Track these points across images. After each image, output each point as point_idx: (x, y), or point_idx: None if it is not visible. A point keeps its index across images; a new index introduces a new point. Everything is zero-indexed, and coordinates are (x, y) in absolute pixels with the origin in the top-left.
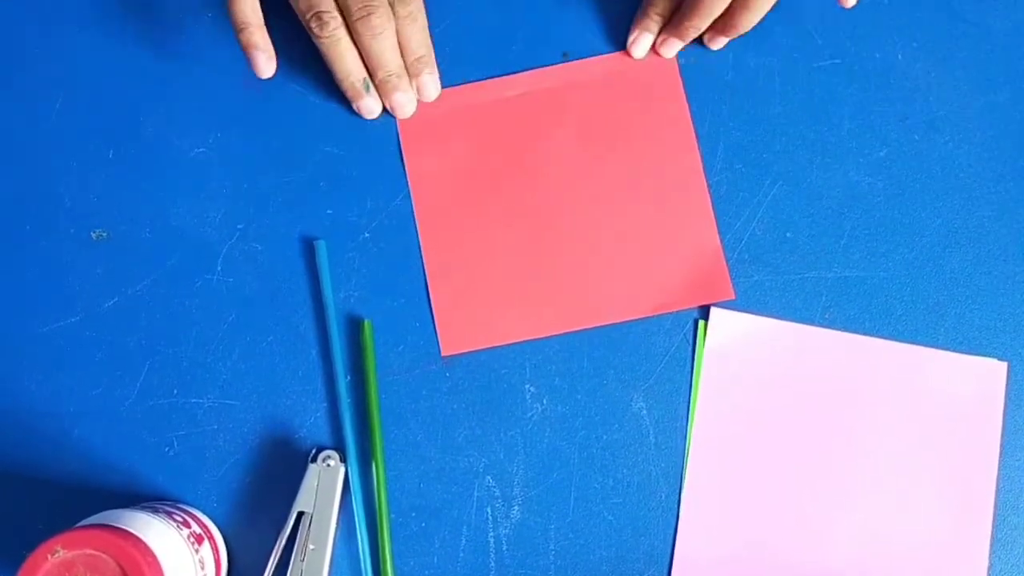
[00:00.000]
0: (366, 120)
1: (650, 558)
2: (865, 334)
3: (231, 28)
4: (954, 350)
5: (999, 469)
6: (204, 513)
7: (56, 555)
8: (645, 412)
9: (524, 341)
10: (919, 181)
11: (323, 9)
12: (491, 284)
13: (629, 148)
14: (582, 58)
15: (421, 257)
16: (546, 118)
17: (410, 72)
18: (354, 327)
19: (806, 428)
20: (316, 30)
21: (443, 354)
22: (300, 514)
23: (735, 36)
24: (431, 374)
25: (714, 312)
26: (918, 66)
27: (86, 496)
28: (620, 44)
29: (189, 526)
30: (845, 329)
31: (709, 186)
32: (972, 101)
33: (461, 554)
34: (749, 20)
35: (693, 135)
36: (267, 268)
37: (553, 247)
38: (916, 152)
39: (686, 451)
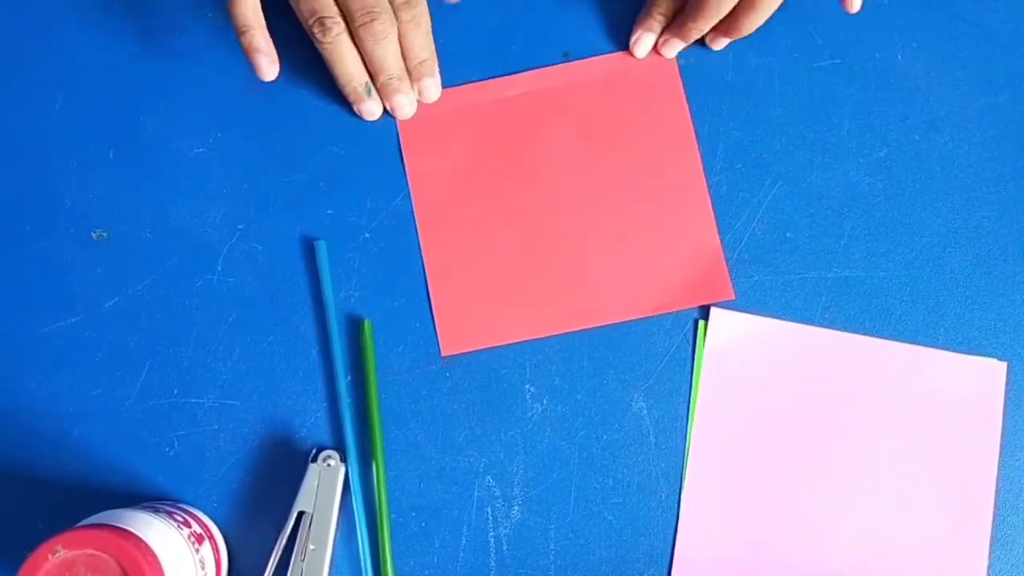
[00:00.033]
0: (366, 121)
1: (650, 558)
2: (865, 334)
3: (232, 30)
4: (954, 350)
5: (999, 469)
6: (204, 513)
7: (57, 555)
8: (645, 412)
9: (524, 341)
10: (919, 181)
11: (326, 15)
12: (491, 284)
13: (629, 148)
14: (582, 58)
15: (421, 257)
16: (546, 118)
17: (413, 75)
18: (354, 327)
19: (806, 428)
20: (319, 36)
21: (443, 354)
22: (300, 514)
23: (738, 38)
24: (431, 374)
25: (714, 312)
26: (918, 66)
27: (86, 496)
28: (620, 44)
29: (189, 526)
30: (845, 329)
31: (709, 186)
32: (972, 101)
33: (461, 554)
34: (753, 23)
35: (693, 135)
36: (267, 268)
37: (553, 247)
38: (916, 152)
39: (686, 451)
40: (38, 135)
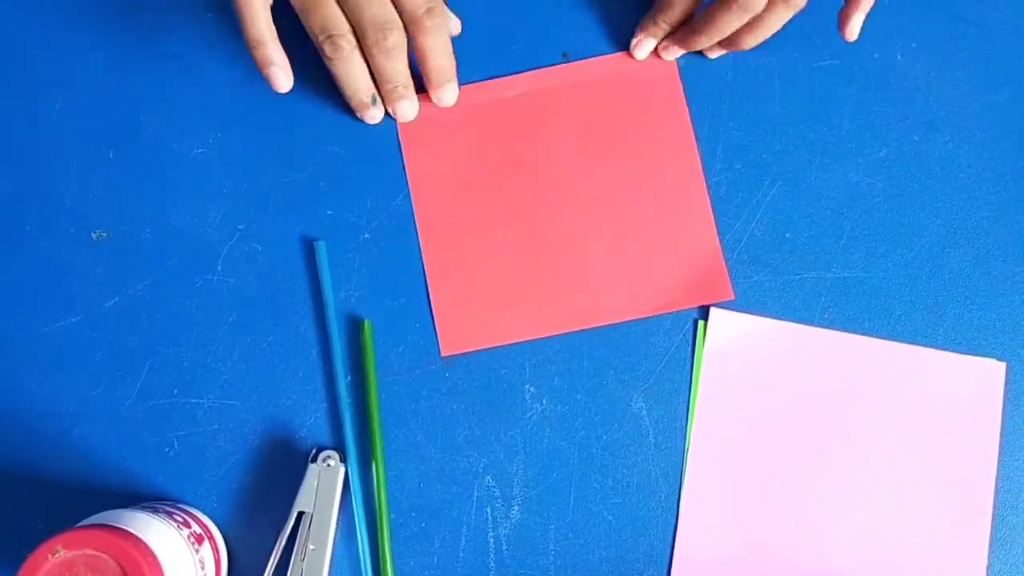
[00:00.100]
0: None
1: (650, 558)
2: (865, 334)
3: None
4: (953, 350)
5: (998, 469)
6: (204, 513)
7: (56, 555)
8: (645, 412)
9: (524, 341)
10: (919, 181)
11: (336, 33)
12: (491, 284)
13: (629, 148)
14: (582, 58)
15: (421, 257)
16: (546, 118)
17: (433, 82)
18: (354, 327)
19: (806, 428)
20: (329, 53)
21: (443, 354)
22: (300, 514)
23: (736, 51)
24: (431, 374)
25: (714, 312)
26: (918, 66)
27: (86, 496)
28: (620, 44)
29: (189, 526)
30: (845, 329)
31: (709, 186)
32: (972, 101)
33: (461, 554)
34: (754, 41)
35: (693, 135)
36: (267, 268)
37: (553, 247)
38: (916, 152)
39: (686, 451)
40: (38, 135)
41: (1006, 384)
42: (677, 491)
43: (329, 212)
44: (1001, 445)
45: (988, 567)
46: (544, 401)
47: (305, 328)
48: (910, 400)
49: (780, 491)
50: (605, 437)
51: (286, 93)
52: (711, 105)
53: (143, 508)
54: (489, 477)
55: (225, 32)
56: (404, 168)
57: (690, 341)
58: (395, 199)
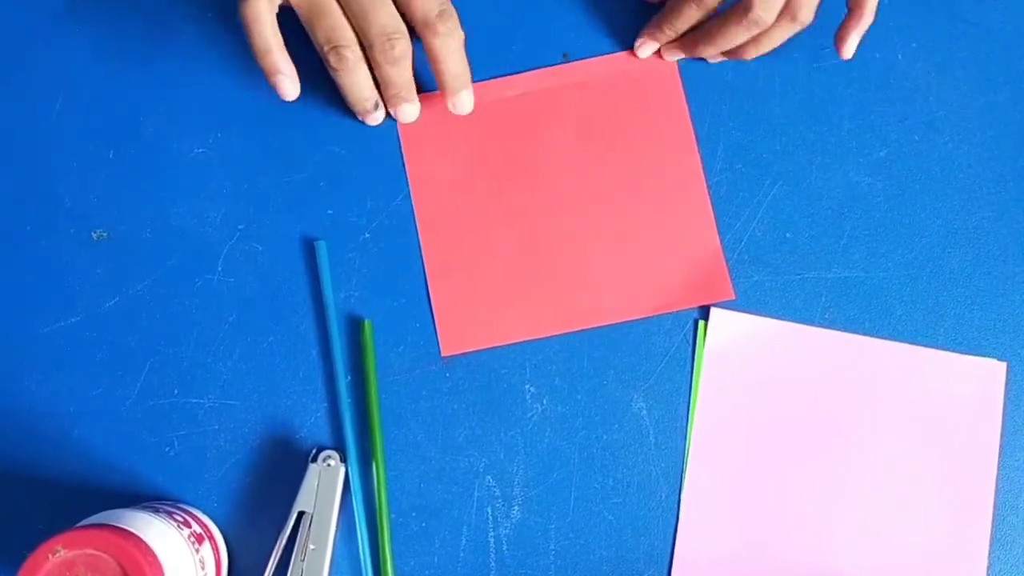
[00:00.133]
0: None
1: (650, 558)
2: (865, 334)
3: (227, 30)
4: (954, 350)
5: (999, 469)
6: (204, 513)
7: (57, 555)
8: (645, 412)
9: (524, 341)
10: (919, 181)
11: (342, 44)
12: (491, 284)
13: (629, 148)
14: (582, 58)
15: (421, 257)
16: (546, 118)
17: (448, 89)
18: (354, 327)
19: (806, 428)
20: (333, 64)
21: (443, 354)
22: (300, 514)
23: (737, 59)
24: (431, 374)
25: (714, 312)
26: (918, 66)
27: (86, 496)
28: (620, 44)
29: (189, 526)
30: (845, 329)
31: (709, 186)
32: (972, 101)
33: (461, 554)
34: (756, 53)
35: (693, 135)
36: (267, 268)
37: (553, 247)
38: (916, 152)
39: (686, 451)
40: (38, 135)
41: (1006, 384)
42: (677, 491)
43: (329, 212)
44: (1001, 445)
45: (988, 567)
46: (544, 401)
47: (305, 328)
48: (910, 400)
49: (780, 491)
50: (605, 437)
51: (292, 101)
52: (711, 105)
53: (143, 508)
54: (490, 477)
55: (225, 32)
56: (404, 168)
57: (690, 341)
58: (395, 199)
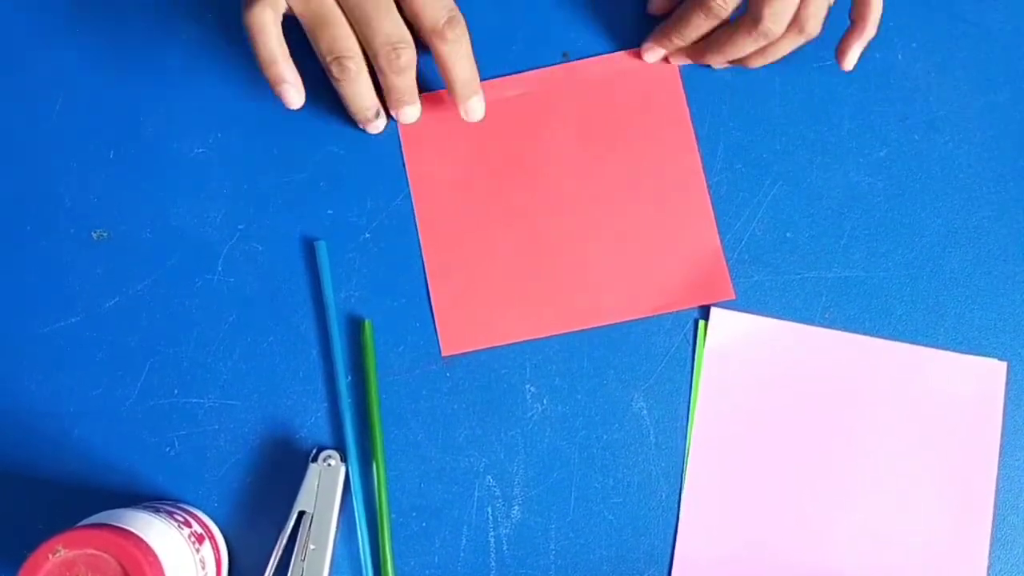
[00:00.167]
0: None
1: (650, 558)
2: (865, 334)
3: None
4: (954, 350)
5: (999, 469)
6: (205, 513)
7: (57, 555)
8: (645, 412)
9: (524, 341)
10: (919, 181)
11: (344, 55)
12: (491, 284)
13: (629, 148)
14: (582, 58)
15: (421, 257)
16: (546, 118)
17: (459, 96)
18: (354, 327)
19: (806, 428)
20: (336, 74)
21: (443, 354)
22: (301, 514)
23: (741, 67)
24: (431, 374)
25: (714, 312)
26: (918, 66)
27: (86, 496)
28: (620, 44)
29: (190, 526)
30: (845, 329)
31: (709, 186)
32: (972, 101)
33: (462, 554)
34: (762, 63)
35: (693, 135)
36: (267, 268)
37: (553, 247)
38: (916, 152)
39: (686, 451)
40: (38, 135)
41: (1007, 384)
42: (678, 491)
43: (329, 212)
44: (1002, 445)
45: (989, 567)
46: (545, 401)
47: (305, 328)
48: (911, 400)
49: (781, 491)
50: (606, 437)
51: (298, 110)
52: (711, 105)
53: (144, 508)
54: (490, 477)
55: (225, 33)
56: (404, 168)
57: (691, 341)
58: (395, 199)
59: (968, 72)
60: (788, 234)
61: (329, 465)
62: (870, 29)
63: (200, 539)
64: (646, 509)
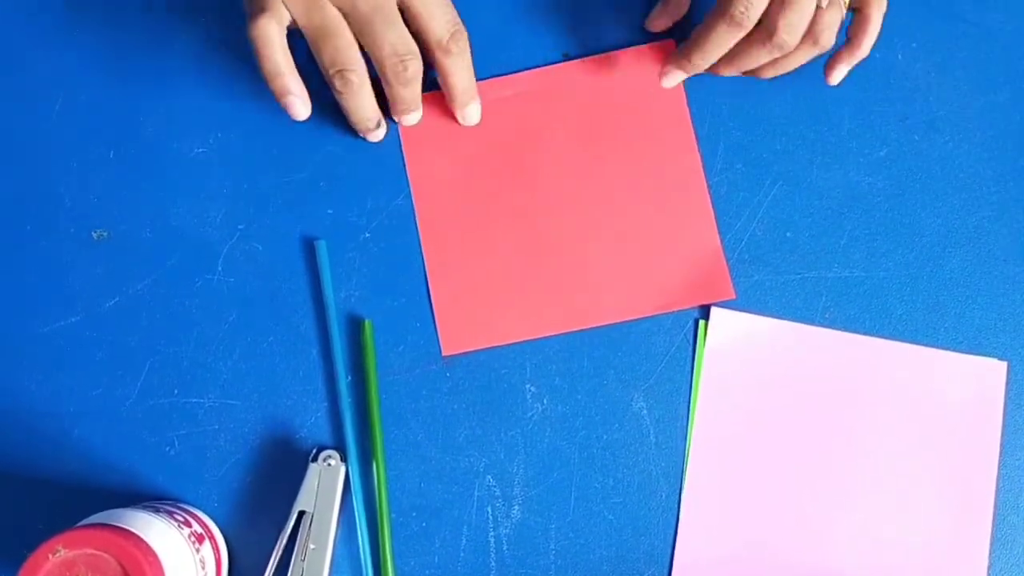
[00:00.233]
0: None
1: (650, 558)
2: (865, 334)
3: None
4: (954, 350)
5: (999, 469)
6: (205, 513)
7: (57, 554)
8: (645, 412)
9: (524, 341)
10: (919, 181)
11: (347, 68)
12: (491, 284)
13: (629, 148)
14: (582, 58)
15: (422, 257)
16: (546, 118)
17: (458, 103)
18: (355, 327)
19: (806, 428)
20: (339, 88)
21: (443, 354)
22: (301, 513)
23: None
24: (431, 374)
25: (714, 312)
26: (918, 66)
27: (86, 496)
28: (620, 44)
29: (190, 525)
30: (845, 329)
31: (709, 186)
32: (972, 101)
33: (462, 554)
34: (774, 74)
35: (693, 135)
36: (267, 268)
37: (553, 247)
38: (916, 152)
39: (686, 451)
40: (38, 135)
41: (1007, 384)
42: (678, 491)
43: (329, 212)
44: (1002, 445)
45: (989, 567)
46: (545, 401)
47: (305, 328)
48: (911, 400)
49: (781, 491)
50: (606, 437)
51: (304, 120)
52: (711, 105)
53: (144, 508)
54: (490, 477)
55: (225, 32)
56: (405, 167)
57: (691, 341)
58: (396, 198)
59: (968, 72)
60: (788, 234)
61: (329, 465)
62: (863, 51)
63: (200, 539)
64: (646, 509)
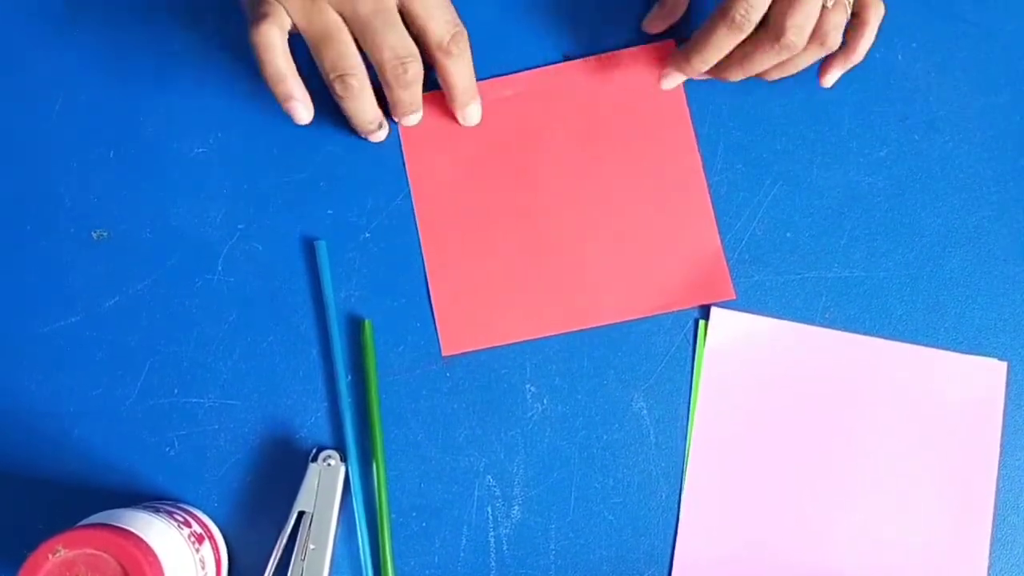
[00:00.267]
0: None
1: (650, 558)
2: (865, 334)
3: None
4: (954, 350)
5: (999, 469)
6: (205, 513)
7: (57, 554)
8: (645, 412)
9: (524, 341)
10: (919, 181)
11: (348, 72)
12: (491, 284)
13: (629, 148)
14: (582, 58)
15: (422, 257)
16: (546, 118)
17: (459, 104)
18: (354, 327)
19: (806, 428)
20: (339, 92)
21: (443, 354)
22: (301, 514)
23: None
24: (431, 374)
25: (714, 312)
26: (918, 66)
27: (86, 496)
28: (620, 44)
29: (190, 525)
30: (845, 329)
31: (709, 186)
32: (972, 101)
33: (462, 554)
34: (780, 75)
35: (693, 135)
36: (267, 268)
37: (553, 247)
38: (916, 152)
39: (686, 451)
40: (38, 135)
41: (1007, 384)
42: (678, 491)
43: (329, 212)
44: (1002, 445)
45: (989, 567)
46: (545, 401)
47: (305, 328)
48: (911, 400)
49: (781, 491)
50: (606, 437)
51: (306, 124)
52: (712, 104)
53: (144, 508)
54: (490, 477)
55: (225, 32)
56: (404, 167)
57: (691, 341)
58: (396, 198)
59: (968, 72)
60: (788, 234)
61: (329, 465)
62: (857, 57)
63: (200, 539)
64: (646, 509)
